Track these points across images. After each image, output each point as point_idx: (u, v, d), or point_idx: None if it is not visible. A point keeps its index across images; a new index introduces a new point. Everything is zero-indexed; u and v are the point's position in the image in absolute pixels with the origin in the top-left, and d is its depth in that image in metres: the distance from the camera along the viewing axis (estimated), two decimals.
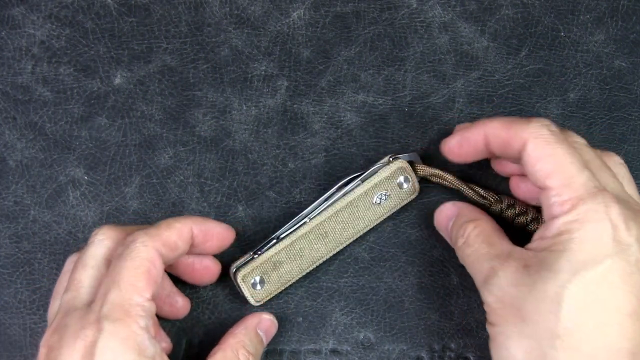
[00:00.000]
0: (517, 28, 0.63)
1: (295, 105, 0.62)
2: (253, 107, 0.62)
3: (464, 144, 0.55)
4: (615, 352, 0.47)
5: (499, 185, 0.61)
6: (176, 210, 0.61)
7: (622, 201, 0.49)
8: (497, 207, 0.59)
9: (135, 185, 0.61)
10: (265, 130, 0.62)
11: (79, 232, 0.61)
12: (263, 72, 0.62)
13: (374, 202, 0.59)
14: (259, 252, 0.58)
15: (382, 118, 0.62)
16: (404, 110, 0.62)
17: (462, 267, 0.60)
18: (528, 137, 0.51)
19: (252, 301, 0.59)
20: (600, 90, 0.62)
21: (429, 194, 0.61)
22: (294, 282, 0.60)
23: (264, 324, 0.57)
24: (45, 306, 0.60)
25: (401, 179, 0.59)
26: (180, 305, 0.58)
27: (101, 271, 0.52)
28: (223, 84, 0.62)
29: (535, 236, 0.51)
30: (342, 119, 0.62)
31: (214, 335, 0.60)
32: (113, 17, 0.63)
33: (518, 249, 0.52)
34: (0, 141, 0.62)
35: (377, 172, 0.59)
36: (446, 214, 0.57)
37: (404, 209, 0.61)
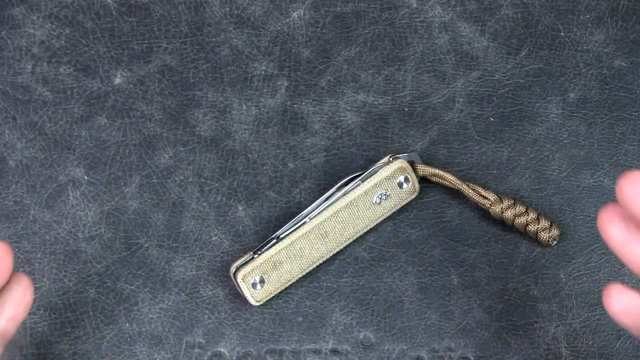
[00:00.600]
0: (517, 28, 0.63)
1: (295, 105, 0.62)
2: (253, 107, 0.62)
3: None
4: None
5: (499, 185, 0.61)
6: (176, 210, 0.61)
7: None
8: (497, 207, 0.59)
9: (135, 185, 0.61)
10: (265, 130, 0.62)
11: (79, 232, 0.61)
12: (263, 72, 0.62)
13: (374, 202, 0.59)
14: (259, 252, 0.58)
15: (382, 118, 0.62)
16: (404, 110, 0.62)
17: (462, 267, 0.60)
18: None
19: (252, 301, 0.59)
20: (600, 90, 0.62)
21: (429, 194, 0.61)
22: (294, 282, 0.60)
23: None
24: (45, 306, 0.60)
25: (401, 178, 0.59)
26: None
27: None
28: (223, 84, 0.62)
29: None
30: (342, 119, 0.62)
31: (214, 335, 0.60)
32: (113, 17, 0.63)
33: None
34: (0, 141, 0.62)
35: (377, 172, 0.59)
36: None
37: (404, 209, 0.61)
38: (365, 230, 0.60)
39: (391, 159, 0.59)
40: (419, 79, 0.62)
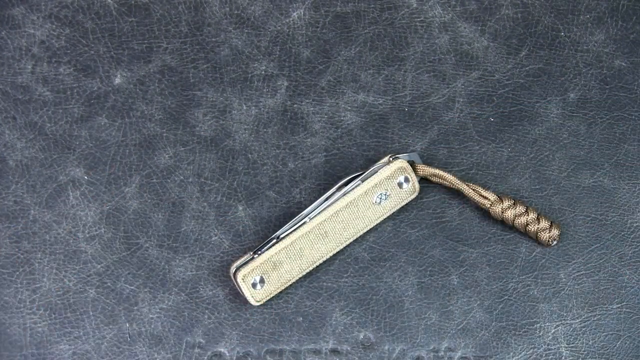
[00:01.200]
0: (517, 28, 0.63)
1: (295, 105, 0.62)
2: (253, 107, 0.62)
3: None
4: None
5: (499, 185, 0.61)
6: (176, 210, 0.61)
7: None
8: (497, 208, 0.59)
9: (135, 185, 0.61)
10: (265, 130, 0.62)
11: (79, 232, 0.61)
12: (263, 72, 0.62)
13: (374, 201, 0.59)
14: (259, 252, 0.58)
15: (382, 118, 0.62)
16: (404, 110, 0.62)
17: (462, 267, 0.60)
18: None
19: (252, 301, 0.59)
20: (600, 90, 0.62)
21: (429, 194, 0.61)
22: (294, 282, 0.60)
23: None
24: (45, 306, 0.60)
25: (401, 178, 0.59)
26: None
27: None
28: (223, 84, 0.62)
29: None
30: (342, 119, 0.62)
31: (214, 335, 0.60)
32: (113, 17, 0.63)
33: None
34: (0, 141, 0.62)
35: (377, 172, 0.59)
36: None
37: (404, 209, 0.61)
38: (365, 230, 0.60)
39: (391, 159, 0.59)
40: (419, 79, 0.62)
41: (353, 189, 0.59)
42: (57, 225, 0.61)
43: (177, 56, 0.62)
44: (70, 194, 0.61)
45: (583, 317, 0.60)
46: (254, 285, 0.58)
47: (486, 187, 0.61)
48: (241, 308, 0.60)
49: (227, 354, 0.60)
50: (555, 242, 0.59)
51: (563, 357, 0.59)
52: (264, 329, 0.60)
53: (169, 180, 0.61)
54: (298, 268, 0.59)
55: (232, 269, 0.58)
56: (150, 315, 0.60)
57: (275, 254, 0.58)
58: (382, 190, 0.59)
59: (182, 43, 0.63)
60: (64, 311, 0.60)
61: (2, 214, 0.61)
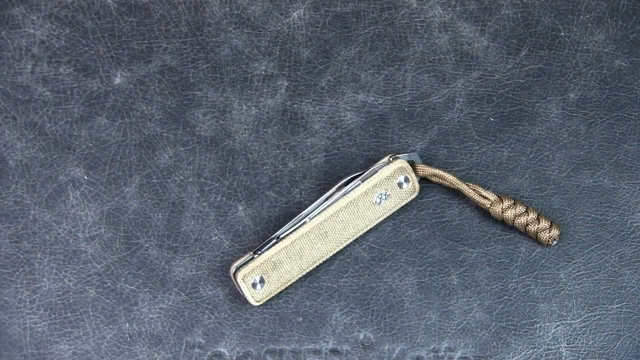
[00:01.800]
0: (517, 28, 0.63)
1: (295, 105, 0.62)
2: (253, 107, 0.62)
3: None
4: None
5: (499, 185, 0.61)
6: (176, 210, 0.61)
7: None
8: (497, 208, 0.59)
9: (135, 185, 0.61)
10: (265, 130, 0.62)
11: (79, 232, 0.61)
12: (263, 72, 0.62)
13: (374, 201, 0.59)
14: (259, 252, 0.58)
15: (382, 118, 0.62)
16: (404, 110, 0.62)
17: (462, 267, 0.60)
18: None
19: (252, 301, 0.59)
20: (600, 90, 0.62)
21: (429, 194, 0.61)
22: (294, 282, 0.60)
23: None
24: (45, 306, 0.60)
25: (401, 178, 0.59)
26: None
27: None
28: (223, 84, 0.62)
29: None
30: (342, 119, 0.62)
31: (214, 335, 0.60)
32: (113, 17, 0.63)
33: None
34: (0, 141, 0.62)
35: (377, 172, 0.59)
36: None
37: (404, 209, 0.61)
38: (365, 230, 0.60)
39: (391, 159, 0.59)
40: (419, 79, 0.62)
41: (353, 189, 0.59)
42: (57, 225, 0.61)
43: (177, 56, 0.62)
44: (70, 194, 0.61)
45: (583, 317, 0.60)
46: (254, 285, 0.58)
47: (486, 187, 0.61)
48: (241, 308, 0.60)
49: (227, 354, 0.60)
50: (555, 242, 0.59)
51: (563, 357, 0.59)
52: (264, 329, 0.60)
53: (169, 180, 0.61)
54: (298, 268, 0.59)
55: (232, 269, 0.58)
56: (150, 315, 0.60)
57: (275, 254, 0.58)
58: (382, 190, 0.59)
59: (182, 43, 0.63)
60: (64, 311, 0.60)
61: (2, 214, 0.61)
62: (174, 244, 0.61)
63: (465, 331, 0.59)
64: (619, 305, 0.60)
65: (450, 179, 0.59)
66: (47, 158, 0.61)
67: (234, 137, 0.62)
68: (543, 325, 0.60)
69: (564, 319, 0.60)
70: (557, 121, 0.62)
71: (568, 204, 0.61)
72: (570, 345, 0.59)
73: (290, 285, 0.60)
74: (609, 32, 0.62)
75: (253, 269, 0.58)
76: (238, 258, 0.59)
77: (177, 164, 0.61)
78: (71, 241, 0.61)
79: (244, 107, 0.62)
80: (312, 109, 0.62)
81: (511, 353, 0.59)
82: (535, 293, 0.60)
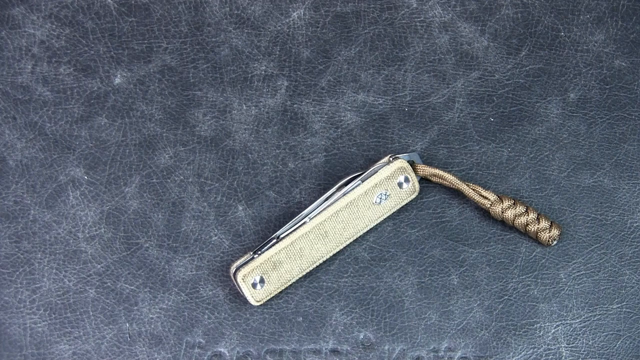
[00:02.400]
0: (517, 28, 0.63)
1: (295, 105, 0.62)
2: (253, 107, 0.62)
3: None
4: None
5: (499, 185, 0.61)
6: (176, 210, 0.61)
7: None
8: (497, 208, 0.59)
9: (135, 185, 0.61)
10: (265, 130, 0.62)
11: (79, 232, 0.61)
12: (263, 72, 0.62)
13: (374, 201, 0.59)
14: (259, 252, 0.58)
15: (382, 118, 0.62)
16: (404, 110, 0.62)
17: (462, 267, 0.60)
18: None
19: (252, 301, 0.59)
20: (600, 90, 0.62)
21: (429, 194, 0.61)
22: (294, 282, 0.60)
23: None
24: (45, 306, 0.60)
25: (401, 178, 0.59)
26: None
27: None
28: (223, 84, 0.62)
29: None
30: (342, 119, 0.62)
31: (214, 335, 0.60)
32: (113, 17, 0.63)
33: None
34: (0, 141, 0.62)
35: (377, 172, 0.59)
36: None
37: (404, 209, 0.61)
38: (365, 230, 0.60)
39: (391, 159, 0.59)
40: (419, 79, 0.62)
41: (353, 189, 0.59)
42: (57, 225, 0.61)
43: (177, 56, 0.62)
44: (70, 194, 0.61)
45: (583, 317, 0.60)
46: (254, 285, 0.58)
47: (486, 187, 0.61)
48: (241, 308, 0.60)
49: (227, 354, 0.60)
50: (555, 242, 0.59)
51: (563, 357, 0.59)
52: (264, 329, 0.60)
53: (169, 180, 0.61)
54: (298, 268, 0.59)
55: (232, 269, 0.58)
56: (150, 315, 0.60)
57: (275, 254, 0.58)
58: (382, 190, 0.59)
59: (182, 43, 0.63)
60: (64, 311, 0.60)
61: (2, 214, 0.61)
62: (174, 244, 0.61)
63: (465, 331, 0.59)
64: (619, 305, 0.60)
65: (450, 179, 0.59)
66: (47, 158, 0.61)
67: (234, 137, 0.62)
68: (543, 325, 0.60)
69: (564, 319, 0.60)
70: (557, 121, 0.62)
71: (568, 204, 0.61)
72: (570, 345, 0.59)
73: (290, 285, 0.60)
74: (609, 32, 0.62)
75: (253, 269, 0.58)
76: (238, 258, 0.59)
77: (177, 164, 0.61)
78: (71, 241, 0.61)
79: (244, 107, 0.62)
80: (312, 109, 0.62)
81: (511, 353, 0.59)
82: (535, 293, 0.60)
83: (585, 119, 0.62)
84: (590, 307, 0.60)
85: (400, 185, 0.59)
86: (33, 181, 0.61)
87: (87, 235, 0.61)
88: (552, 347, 0.59)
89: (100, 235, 0.61)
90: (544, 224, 0.59)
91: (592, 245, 0.60)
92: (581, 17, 0.63)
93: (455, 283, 0.60)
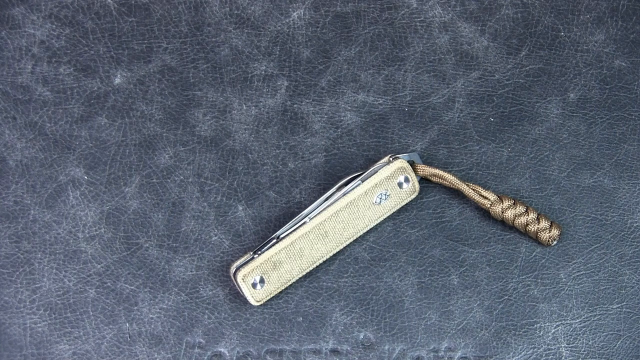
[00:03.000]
0: (517, 28, 0.63)
1: (295, 105, 0.62)
2: (253, 107, 0.62)
3: None
4: None
5: (499, 185, 0.61)
6: (176, 210, 0.61)
7: None
8: (497, 208, 0.59)
9: (135, 185, 0.61)
10: (265, 130, 0.62)
11: (79, 232, 0.61)
12: (263, 72, 0.62)
13: (374, 201, 0.59)
14: (259, 252, 0.58)
15: (382, 118, 0.62)
16: (404, 110, 0.62)
17: (462, 267, 0.60)
18: None
19: (252, 301, 0.59)
20: (600, 90, 0.62)
21: (429, 194, 0.61)
22: (294, 282, 0.60)
23: None
24: (45, 306, 0.60)
25: (401, 178, 0.59)
26: None
27: None
28: (223, 84, 0.62)
29: None
30: (342, 119, 0.62)
31: (214, 335, 0.60)
32: (113, 17, 0.63)
33: None
34: (0, 141, 0.62)
35: (377, 172, 0.59)
36: None
37: (404, 209, 0.61)
38: (365, 230, 0.60)
39: (391, 159, 0.59)
40: (419, 79, 0.62)
41: (353, 189, 0.59)
42: (57, 225, 0.61)
43: (177, 56, 0.62)
44: (70, 194, 0.61)
45: (583, 317, 0.60)
46: (254, 285, 0.58)
47: (486, 187, 0.61)
48: (241, 308, 0.60)
49: (227, 354, 0.60)
50: (555, 242, 0.59)
51: (563, 357, 0.59)
52: (264, 329, 0.60)
53: (169, 180, 0.61)
54: (298, 268, 0.59)
55: (232, 269, 0.58)
56: (150, 315, 0.60)
57: (275, 254, 0.58)
58: (382, 190, 0.59)
59: (182, 43, 0.63)
60: (64, 311, 0.60)
61: (2, 214, 0.61)
62: (174, 244, 0.61)
63: (465, 331, 0.59)
64: (619, 305, 0.60)
65: (450, 179, 0.59)
66: (47, 158, 0.61)
67: (234, 137, 0.62)
68: (543, 325, 0.60)
69: (564, 319, 0.60)
70: (557, 121, 0.62)
71: (568, 204, 0.61)
72: (570, 345, 0.59)
73: (290, 285, 0.60)
74: (609, 32, 0.62)
75: (253, 269, 0.58)
76: (238, 258, 0.59)
77: (177, 164, 0.61)
78: (71, 241, 0.61)
79: (244, 107, 0.62)
80: (312, 109, 0.62)
81: (511, 353, 0.59)
82: (535, 293, 0.60)
83: (585, 119, 0.62)
84: (590, 307, 0.60)
85: (400, 185, 0.59)
86: (33, 181, 0.61)
87: (87, 235, 0.61)
88: (552, 347, 0.59)
89: (100, 235, 0.61)
90: (544, 224, 0.59)
91: (592, 245, 0.60)
92: (581, 17, 0.63)
93: (455, 283, 0.60)
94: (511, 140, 0.61)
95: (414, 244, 0.60)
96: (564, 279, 0.60)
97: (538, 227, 0.59)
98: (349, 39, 0.63)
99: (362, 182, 0.59)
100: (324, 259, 0.59)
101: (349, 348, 0.60)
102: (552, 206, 0.61)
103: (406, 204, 0.60)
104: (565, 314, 0.60)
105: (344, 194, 0.59)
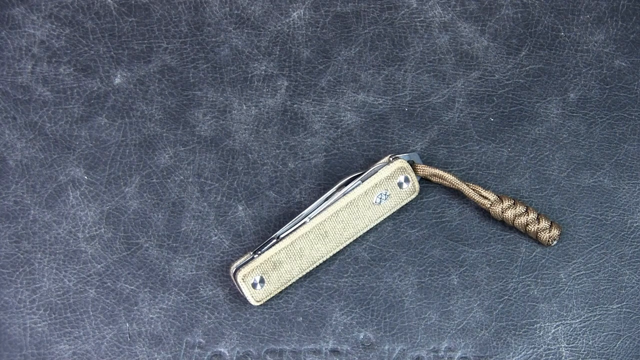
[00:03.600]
0: (517, 28, 0.63)
1: (295, 105, 0.62)
2: (253, 107, 0.62)
3: None
4: None
5: (499, 185, 0.61)
6: (176, 210, 0.61)
7: None
8: (497, 208, 0.59)
9: (135, 185, 0.61)
10: (265, 130, 0.62)
11: (79, 232, 0.61)
12: (263, 72, 0.62)
13: (374, 201, 0.59)
14: (259, 252, 0.58)
15: (382, 118, 0.62)
16: (404, 110, 0.62)
17: (462, 267, 0.60)
18: None
19: (252, 301, 0.59)
20: (600, 90, 0.62)
21: (429, 194, 0.61)
22: (294, 282, 0.60)
23: None
24: (45, 306, 0.60)
25: (401, 178, 0.59)
26: None
27: None
28: (223, 84, 0.62)
29: None
30: (342, 119, 0.62)
31: (214, 335, 0.60)
32: (113, 17, 0.63)
33: None
34: (0, 141, 0.62)
35: (377, 172, 0.59)
36: None
37: (404, 209, 0.61)
38: (365, 230, 0.60)
39: (391, 159, 0.59)
40: (419, 79, 0.62)
41: (353, 189, 0.59)
42: (57, 225, 0.61)
43: (177, 56, 0.62)
44: (70, 194, 0.61)
45: (583, 317, 0.60)
46: (254, 285, 0.58)
47: (486, 187, 0.61)
48: (241, 308, 0.60)
49: (227, 354, 0.60)
50: (555, 242, 0.59)
51: (563, 357, 0.59)
52: (264, 329, 0.60)
53: (169, 180, 0.61)
54: (298, 268, 0.59)
55: (232, 269, 0.58)
56: (150, 315, 0.60)
57: (275, 254, 0.58)
58: (382, 190, 0.59)
59: (182, 43, 0.63)
60: (64, 311, 0.60)
61: (2, 214, 0.61)
62: (174, 244, 0.61)
63: (465, 331, 0.59)
64: (619, 305, 0.60)
65: (450, 179, 0.59)
66: (47, 158, 0.61)
67: (234, 137, 0.62)
68: (543, 325, 0.60)
69: (564, 319, 0.60)
70: (557, 121, 0.62)
71: (568, 204, 0.61)
72: (570, 345, 0.59)
73: (290, 285, 0.60)
74: (609, 32, 0.62)
75: (253, 269, 0.58)
76: (238, 258, 0.59)
77: (177, 164, 0.61)
78: (71, 241, 0.61)
79: (244, 107, 0.62)
80: (312, 109, 0.62)
81: (511, 353, 0.59)
82: (535, 293, 0.60)
83: (585, 119, 0.62)
84: (590, 307, 0.60)
85: (400, 185, 0.59)
86: (33, 181, 0.61)
87: (87, 235, 0.61)
88: (552, 347, 0.59)
89: (100, 235, 0.61)
90: (544, 224, 0.59)
91: (592, 245, 0.60)
92: (581, 17, 0.63)
93: (455, 283, 0.60)
94: (511, 140, 0.61)
95: (414, 244, 0.60)
96: (564, 279, 0.60)
97: (538, 227, 0.59)
98: (349, 39, 0.63)
99: (362, 182, 0.59)
100: (324, 259, 0.59)
101: (349, 348, 0.60)
102: (552, 206, 0.61)
103: (406, 204, 0.60)
104: (565, 314, 0.60)
105: (344, 194, 0.59)
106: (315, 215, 0.58)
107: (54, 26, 0.63)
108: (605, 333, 0.59)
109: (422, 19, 0.63)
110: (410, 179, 0.59)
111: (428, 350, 0.59)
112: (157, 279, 0.60)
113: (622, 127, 0.61)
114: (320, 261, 0.59)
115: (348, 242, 0.60)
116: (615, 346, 0.59)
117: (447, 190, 0.61)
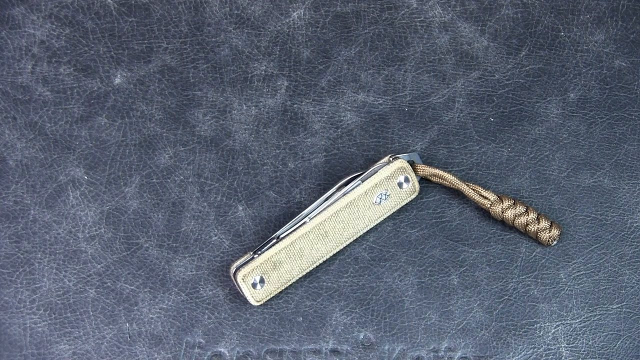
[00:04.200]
0: (517, 28, 0.63)
1: (295, 105, 0.62)
2: (253, 107, 0.62)
3: None
4: None
5: (499, 185, 0.61)
6: (176, 210, 0.61)
7: None
8: (497, 208, 0.59)
9: (135, 185, 0.61)
10: (265, 130, 0.62)
11: (79, 232, 0.61)
12: (263, 72, 0.62)
13: (374, 201, 0.59)
14: (259, 252, 0.58)
15: (382, 118, 0.62)
16: (404, 110, 0.62)
17: (462, 267, 0.60)
18: None
19: (252, 301, 0.59)
20: (600, 90, 0.62)
21: (429, 194, 0.61)
22: (294, 282, 0.60)
23: None
24: (45, 306, 0.60)
25: (401, 178, 0.59)
26: None
27: None
28: (223, 84, 0.62)
29: None
30: (342, 119, 0.62)
31: (214, 335, 0.60)
32: (113, 17, 0.63)
33: None
34: (0, 141, 0.62)
35: (377, 172, 0.59)
36: None
37: (404, 209, 0.61)
38: (365, 230, 0.60)
39: (391, 159, 0.59)
40: (419, 79, 0.62)
41: (353, 189, 0.59)
42: (57, 225, 0.61)
43: (177, 56, 0.62)
44: (70, 194, 0.61)
45: (583, 317, 0.60)
46: (254, 285, 0.58)
47: (486, 187, 0.61)
48: (241, 308, 0.60)
49: (227, 354, 0.60)
50: (555, 242, 0.59)
51: (563, 357, 0.59)
52: (264, 329, 0.60)
53: (169, 180, 0.61)
54: (298, 268, 0.59)
55: (232, 269, 0.58)
56: (150, 315, 0.60)
57: (275, 254, 0.58)
58: (382, 190, 0.59)
59: (182, 43, 0.63)
60: (64, 311, 0.60)
61: (2, 214, 0.61)
62: (174, 244, 0.61)
63: (465, 331, 0.59)
64: (619, 305, 0.60)
65: (450, 179, 0.59)
66: (47, 158, 0.61)
67: (234, 137, 0.62)
68: (543, 325, 0.60)
69: (564, 319, 0.60)
70: (557, 121, 0.62)
71: (568, 204, 0.61)
72: (570, 345, 0.59)
73: (290, 285, 0.60)
74: (609, 32, 0.62)
75: (253, 269, 0.58)
76: (238, 258, 0.59)
77: (177, 164, 0.61)
78: (71, 241, 0.61)
79: (244, 107, 0.62)
80: (312, 109, 0.62)
81: (511, 353, 0.59)
82: (535, 293, 0.60)
83: (585, 119, 0.62)
84: (590, 307, 0.60)
85: (400, 185, 0.59)
86: (33, 181, 0.61)
87: (87, 235, 0.61)
88: (552, 347, 0.59)
89: (100, 235, 0.61)
90: (544, 224, 0.59)
91: (592, 245, 0.60)
92: (581, 17, 0.63)
93: (455, 283, 0.60)
94: (511, 140, 0.61)
95: (414, 244, 0.60)
96: (564, 279, 0.60)
97: (538, 227, 0.59)
98: (349, 39, 0.63)
99: (362, 182, 0.59)
100: (324, 259, 0.59)
101: (349, 348, 0.60)
102: (552, 206, 0.61)
103: (406, 204, 0.60)
104: (565, 314, 0.60)
105: (344, 194, 0.59)
106: (315, 215, 0.58)
107: (54, 26, 0.63)
108: (605, 333, 0.59)
109: (422, 19, 0.63)
110: (410, 179, 0.59)
111: (428, 350, 0.59)
112: (157, 279, 0.60)
113: (622, 127, 0.61)
114: (320, 261, 0.59)
115: (348, 242, 0.60)
116: (615, 346, 0.59)
117: (447, 190, 0.61)
